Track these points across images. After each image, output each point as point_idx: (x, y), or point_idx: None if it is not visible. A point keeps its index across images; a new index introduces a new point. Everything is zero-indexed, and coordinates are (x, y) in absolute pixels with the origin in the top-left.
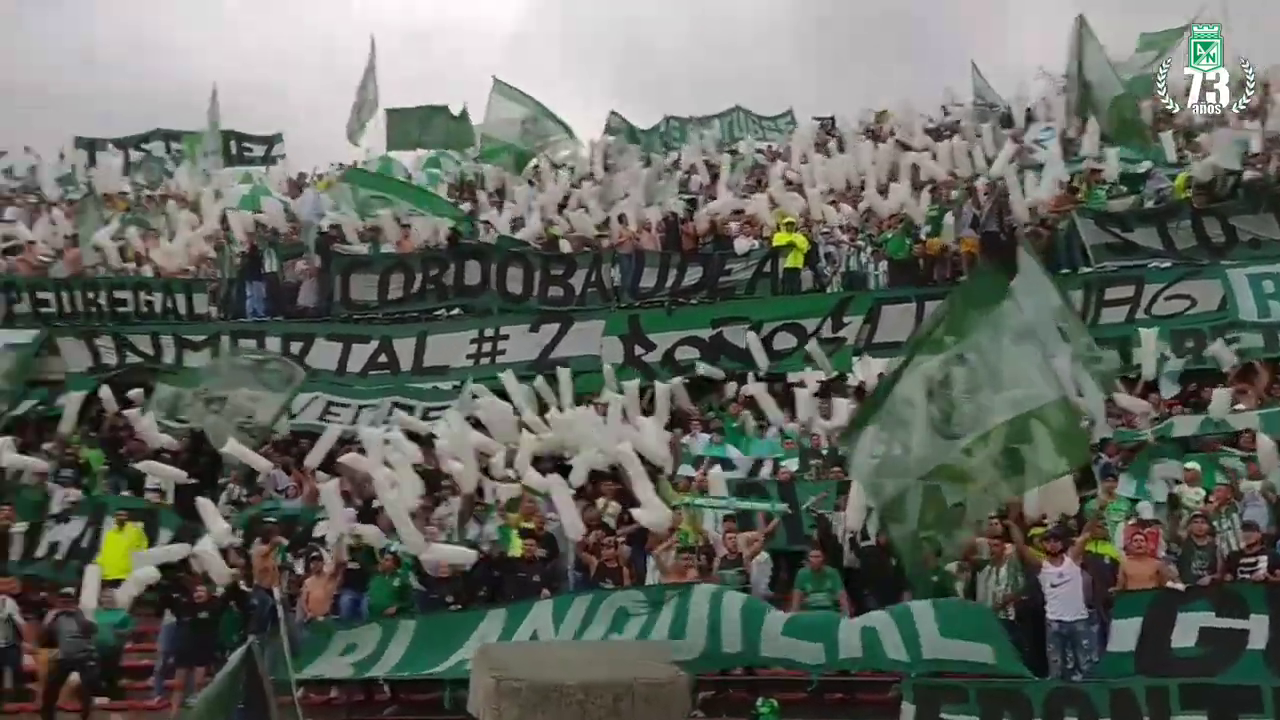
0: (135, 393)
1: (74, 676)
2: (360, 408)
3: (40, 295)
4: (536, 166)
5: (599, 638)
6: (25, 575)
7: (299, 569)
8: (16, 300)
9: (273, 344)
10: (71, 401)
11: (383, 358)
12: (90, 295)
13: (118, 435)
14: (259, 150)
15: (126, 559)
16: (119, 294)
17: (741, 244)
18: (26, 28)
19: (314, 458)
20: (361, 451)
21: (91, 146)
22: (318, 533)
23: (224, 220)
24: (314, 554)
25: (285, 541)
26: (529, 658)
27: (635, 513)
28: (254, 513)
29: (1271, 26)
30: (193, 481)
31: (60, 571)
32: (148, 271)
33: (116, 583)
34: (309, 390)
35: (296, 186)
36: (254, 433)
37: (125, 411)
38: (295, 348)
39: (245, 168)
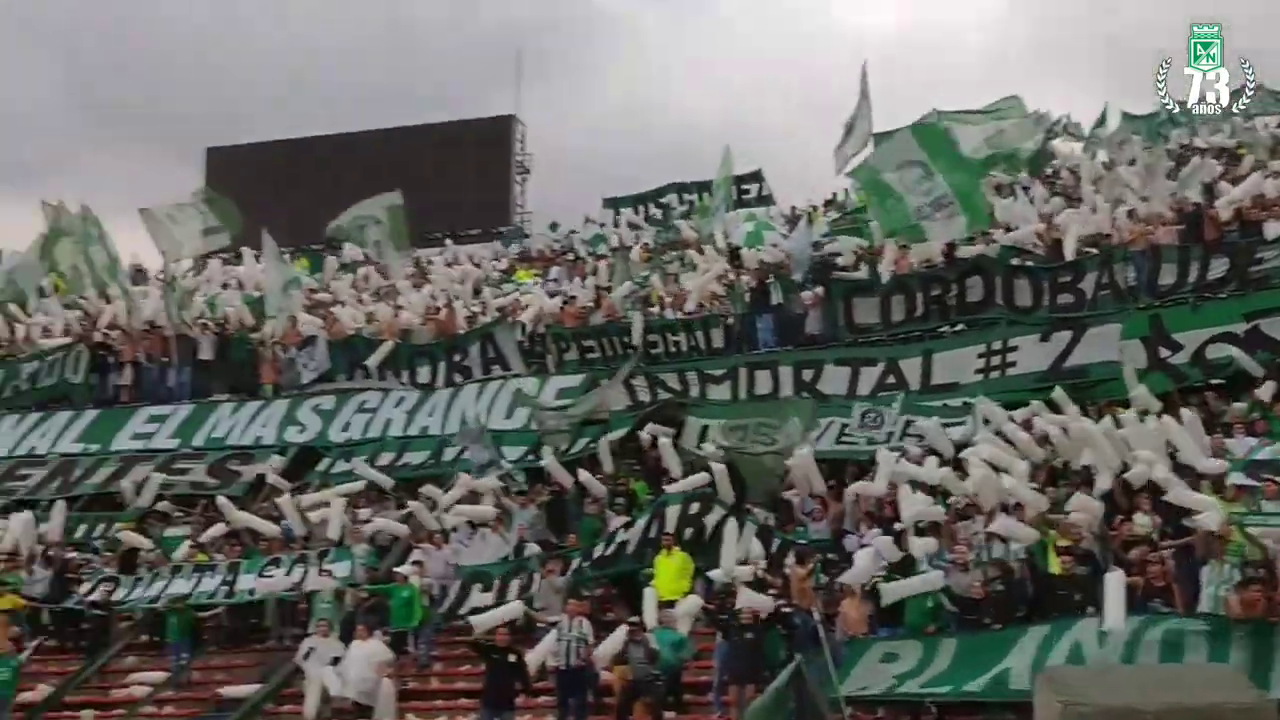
0: (651, 426)
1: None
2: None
3: (585, 343)
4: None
5: (1147, 661)
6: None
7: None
8: (566, 349)
9: (785, 373)
10: (605, 441)
11: (890, 379)
12: (626, 340)
13: (659, 467)
14: (752, 189)
15: (676, 581)
16: (650, 336)
17: (1272, 229)
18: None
19: (818, 484)
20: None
21: (615, 205)
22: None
23: (732, 258)
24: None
25: (820, 561)
26: (1096, 681)
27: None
28: (789, 538)
29: None
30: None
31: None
32: (671, 314)
33: (671, 603)
34: (824, 415)
35: (792, 220)
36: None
37: (659, 441)
38: (806, 375)
39: (746, 209)
